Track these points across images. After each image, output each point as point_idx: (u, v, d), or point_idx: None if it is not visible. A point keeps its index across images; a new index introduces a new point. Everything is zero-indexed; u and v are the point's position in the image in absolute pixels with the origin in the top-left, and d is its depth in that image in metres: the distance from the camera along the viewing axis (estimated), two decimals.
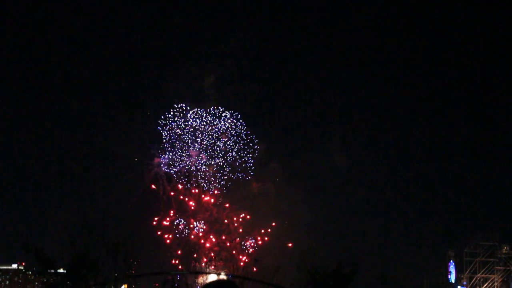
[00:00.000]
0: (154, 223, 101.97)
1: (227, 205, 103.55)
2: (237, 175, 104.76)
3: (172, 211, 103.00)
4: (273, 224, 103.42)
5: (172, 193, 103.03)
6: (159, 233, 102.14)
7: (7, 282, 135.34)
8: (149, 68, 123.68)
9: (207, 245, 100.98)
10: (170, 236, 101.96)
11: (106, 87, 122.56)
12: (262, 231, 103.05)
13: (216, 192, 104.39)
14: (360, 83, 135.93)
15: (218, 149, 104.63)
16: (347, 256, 75.68)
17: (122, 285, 73.96)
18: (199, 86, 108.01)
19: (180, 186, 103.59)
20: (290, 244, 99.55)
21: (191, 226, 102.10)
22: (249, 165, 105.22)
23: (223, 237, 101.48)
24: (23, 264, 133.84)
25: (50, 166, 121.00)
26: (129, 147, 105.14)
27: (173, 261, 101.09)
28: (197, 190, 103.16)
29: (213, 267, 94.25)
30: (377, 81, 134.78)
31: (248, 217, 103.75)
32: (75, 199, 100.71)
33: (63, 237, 68.11)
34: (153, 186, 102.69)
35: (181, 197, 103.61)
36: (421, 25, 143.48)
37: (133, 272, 71.80)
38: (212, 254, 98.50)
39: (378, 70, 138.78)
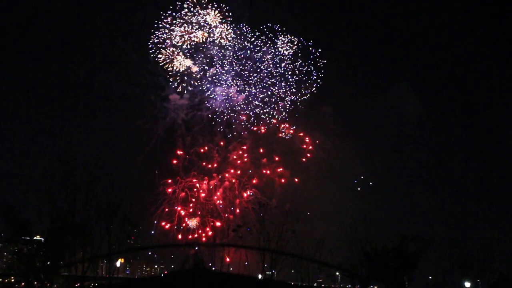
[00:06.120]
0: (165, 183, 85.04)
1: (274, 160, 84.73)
2: (277, 117, 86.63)
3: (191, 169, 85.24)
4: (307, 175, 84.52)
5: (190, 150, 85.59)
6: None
7: None
8: None
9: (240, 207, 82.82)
10: (183, 197, 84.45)
11: None
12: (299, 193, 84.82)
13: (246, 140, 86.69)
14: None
15: (253, 79, 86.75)
16: (413, 229, 59.08)
17: (118, 259, 57.66)
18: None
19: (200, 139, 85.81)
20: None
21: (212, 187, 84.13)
22: (293, 107, 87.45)
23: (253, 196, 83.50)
24: None
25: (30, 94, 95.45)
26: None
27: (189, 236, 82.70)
28: (222, 143, 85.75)
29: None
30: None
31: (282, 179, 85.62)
32: (60, 143, 79.95)
33: (41, 194, 53.53)
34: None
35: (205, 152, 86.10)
36: None
37: (131, 242, 55.18)
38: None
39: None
